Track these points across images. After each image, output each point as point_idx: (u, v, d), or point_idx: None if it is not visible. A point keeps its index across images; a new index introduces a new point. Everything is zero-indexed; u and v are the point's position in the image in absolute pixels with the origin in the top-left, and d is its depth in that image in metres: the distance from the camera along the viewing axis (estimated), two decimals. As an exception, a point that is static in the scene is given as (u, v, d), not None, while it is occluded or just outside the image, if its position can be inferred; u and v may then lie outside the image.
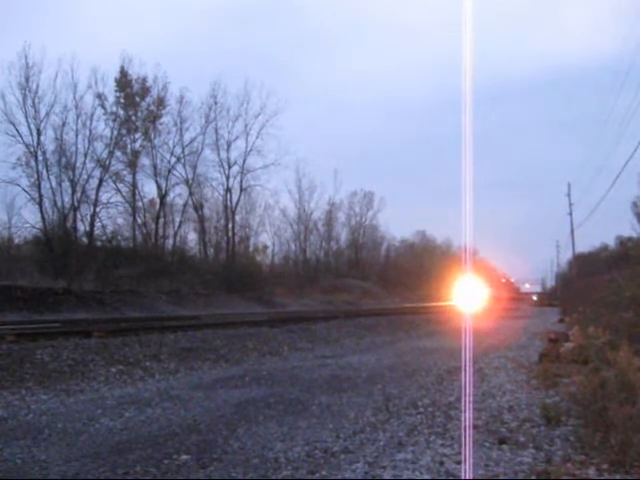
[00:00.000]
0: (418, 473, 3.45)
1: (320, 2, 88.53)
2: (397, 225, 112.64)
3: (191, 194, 39.33)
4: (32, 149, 31.21)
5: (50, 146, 32.05)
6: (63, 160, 32.06)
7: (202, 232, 41.27)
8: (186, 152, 38.57)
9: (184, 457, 3.83)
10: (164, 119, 37.83)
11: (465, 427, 4.37)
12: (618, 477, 3.27)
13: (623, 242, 38.20)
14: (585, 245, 65.46)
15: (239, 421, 4.89)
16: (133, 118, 36.54)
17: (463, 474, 3.41)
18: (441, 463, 3.61)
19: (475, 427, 4.53)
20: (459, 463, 3.60)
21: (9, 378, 6.71)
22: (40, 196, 31.17)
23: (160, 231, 37.95)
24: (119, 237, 34.85)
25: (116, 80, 35.78)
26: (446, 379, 7.18)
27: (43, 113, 31.50)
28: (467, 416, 4.87)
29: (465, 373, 6.90)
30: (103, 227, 34.00)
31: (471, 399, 5.57)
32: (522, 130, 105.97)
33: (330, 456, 3.85)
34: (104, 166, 33.65)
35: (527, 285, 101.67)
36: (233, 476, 3.47)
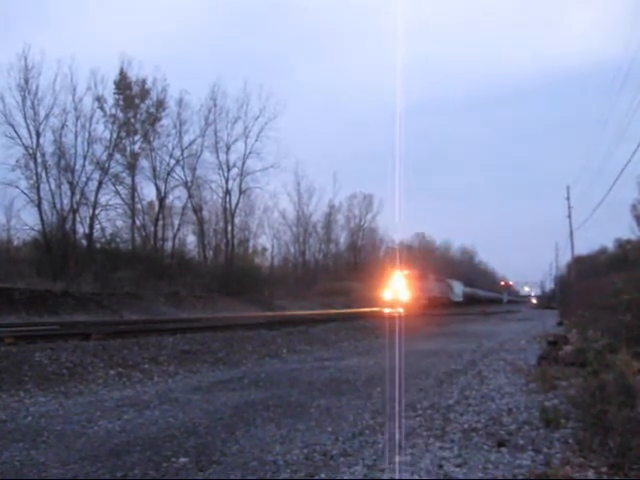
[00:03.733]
0: (417, 476, 3.44)
1: (321, 3, 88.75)
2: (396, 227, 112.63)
3: (190, 196, 39.35)
4: (31, 151, 31.29)
5: (49, 148, 32.17)
6: (62, 162, 32.13)
7: (201, 234, 41.23)
8: (185, 154, 38.65)
9: (182, 460, 3.83)
10: (163, 121, 37.93)
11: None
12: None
13: (622, 245, 38.23)
14: (584, 248, 65.55)
15: (238, 424, 4.88)
16: (132, 120, 36.59)
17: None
18: (440, 466, 3.61)
19: (474, 430, 4.53)
20: (459, 466, 3.60)
21: (8, 380, 6.70)
22: (39, 198, 31.21)
23: (159, 233, 37.96)
24: (118, 239, 34.90)
25: (115, 82, 35.86)
26: (445, 382, 7.18)
27: (42, 115, 31.61)
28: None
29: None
30: (102, 229, 34.12)
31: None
32: (522, 132, 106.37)
33: (329, 459, 3.84)
34: (103, 168, 33.72)
35: (526, 288, 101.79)
36: (232, 479, 3.47)
